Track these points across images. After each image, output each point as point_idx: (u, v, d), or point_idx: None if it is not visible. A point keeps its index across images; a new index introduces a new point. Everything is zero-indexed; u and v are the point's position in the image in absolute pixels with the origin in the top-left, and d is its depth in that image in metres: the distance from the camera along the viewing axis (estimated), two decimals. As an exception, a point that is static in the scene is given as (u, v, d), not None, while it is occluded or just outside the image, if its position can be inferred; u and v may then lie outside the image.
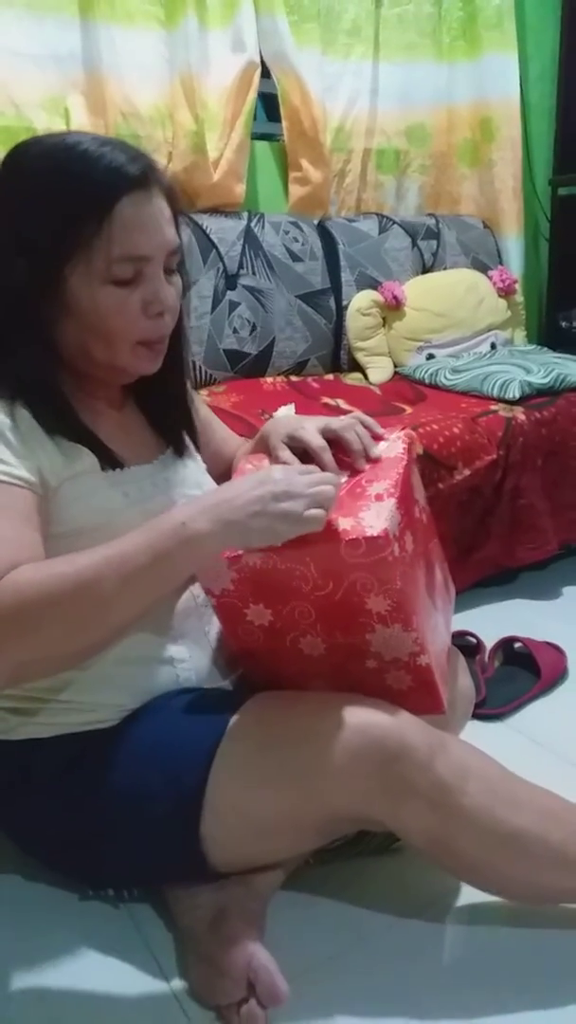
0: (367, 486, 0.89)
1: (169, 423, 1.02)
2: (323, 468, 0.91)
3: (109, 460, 0.91)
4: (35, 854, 0.99)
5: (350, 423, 0.95)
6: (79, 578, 0.76)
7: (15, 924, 0.98)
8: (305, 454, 0.94)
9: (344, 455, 0.94)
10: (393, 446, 0.96)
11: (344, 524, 0.82)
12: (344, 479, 0.91)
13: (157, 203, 0.86)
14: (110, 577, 0.77)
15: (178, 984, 0.90)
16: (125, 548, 0.78)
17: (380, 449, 0.96)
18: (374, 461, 0.94)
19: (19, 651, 0.79)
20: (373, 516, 0.82)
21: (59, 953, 0.94)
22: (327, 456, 0.92)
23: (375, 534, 0.80)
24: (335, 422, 0.95)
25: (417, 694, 0.90)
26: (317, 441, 0.93)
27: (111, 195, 0.82)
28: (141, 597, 0.81)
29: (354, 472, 0.93)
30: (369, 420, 0.97)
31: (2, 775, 0.94)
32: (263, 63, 2.05)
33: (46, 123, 1.80)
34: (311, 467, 0.88)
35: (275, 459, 0.94)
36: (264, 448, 1.00)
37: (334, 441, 0.94)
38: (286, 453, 0.94)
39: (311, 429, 0.95)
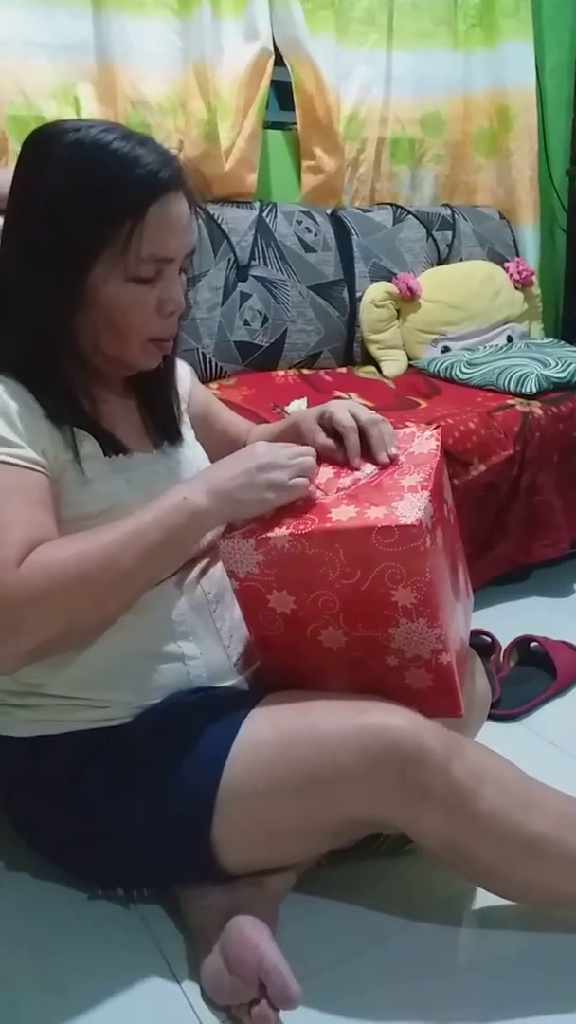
0: (399, 479, 0.89)
1: (163, 414, 1.03)
2: (348, 449, 0.94)
3: (112, 446, 0.92)
4: (44, 852, 0.99)
5: (376, 419, 0.96)
6: (102, 555, 0.81)
7: (24, 923, 0.98)
8: (335, 434, 0.97)
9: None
10: (426, 443, 0.96)
11: (377, 512, 0.82)
12: (372, 469, 0.93)
13: (183, 206, 0.88)
14: (129, 553, 0.82)
15: (189, 985, 0.90)
16: (139, 524, 0.83)
17: (412, 445, 0.96)
18: (392, 459, 0.93)
19: (45, 630, 0.82)
20: (407, 506, 0.82)
21: (68, 953, 0.94)
22: (354, 437, 0.95)
23: (409, 523, 0.80)
24: (363, 413, 0.97)
25: (436, 695, 0.89)
26: (348, 421, 0.96)
27: (146, 198, 0.84)
28: (154, 571, 0.87)
29: (381, 467, 0.93)
30: (390, 430, 0.98)
31: (12, 772, 0.93)
32: (276, 51, 2.03)
33: (56, 112, 1.78)
34: (292, 445, 0.92)
35: (312, 444, 0.97)
36: (293, 437, 1.01)
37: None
38: (321, 436, 0.98)
39: (341, 407, 0.97)
